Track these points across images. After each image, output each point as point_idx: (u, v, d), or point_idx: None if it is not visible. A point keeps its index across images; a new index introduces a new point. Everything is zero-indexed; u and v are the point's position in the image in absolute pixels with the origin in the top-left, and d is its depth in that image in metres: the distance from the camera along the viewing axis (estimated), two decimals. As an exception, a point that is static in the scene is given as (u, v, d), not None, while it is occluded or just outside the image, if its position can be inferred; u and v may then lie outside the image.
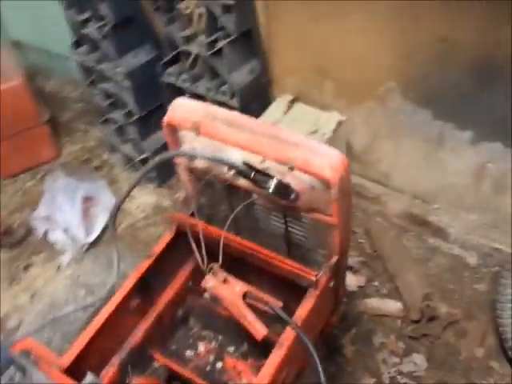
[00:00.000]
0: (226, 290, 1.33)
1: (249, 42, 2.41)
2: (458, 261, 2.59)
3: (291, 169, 1.24)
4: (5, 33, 3.74)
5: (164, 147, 2.98)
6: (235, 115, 1.32)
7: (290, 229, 1.47)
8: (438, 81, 2.21)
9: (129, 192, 1.26)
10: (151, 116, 2.82)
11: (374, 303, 2.52)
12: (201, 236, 1.34)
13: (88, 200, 2.93)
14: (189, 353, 1.74)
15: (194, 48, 2.39)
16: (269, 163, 1.28)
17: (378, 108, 2.47)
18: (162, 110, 2.79)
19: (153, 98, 2.72)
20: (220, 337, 1.79)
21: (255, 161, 1.30)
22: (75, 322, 1.94)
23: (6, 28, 3.75)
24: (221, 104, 2.49)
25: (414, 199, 2.71)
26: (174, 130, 1.42)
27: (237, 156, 1.32)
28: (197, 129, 1.35)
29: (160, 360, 1.70)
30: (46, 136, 3.23)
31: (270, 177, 1.23)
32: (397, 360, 2.31)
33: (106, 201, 2.98)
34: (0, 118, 2.96)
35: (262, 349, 1.58)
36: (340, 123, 2.42)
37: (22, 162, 3.26)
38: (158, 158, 1.23)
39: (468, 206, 2.53)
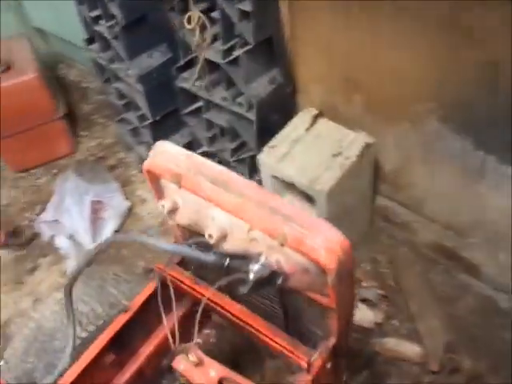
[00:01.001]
0: (199, 374, 1.14)
1: (270, 49, 2.17)
2: (490, 303, 2.34)
3: (282, 245, 1.03)
4: (27, 20, 3.59)
5: (179, 153, 2.80)
6: (223, 172, 1.11)
7: (284, 297, 1.26)
8: (484, 108, 1.93)
9: (78, 274, 1.08)
10: (166, 120, 2.63)
11: (391, 344, 2.29)
12: (175, 316, 1.14)
13: (98, 204, 2.78)
14: (173, 408, 1.57)
15: (209, 54, 2.17)
16: (256, 233, 1.07)
17: (413, 130, 2.20)
18: (177, 114, 2.61)
19: (168, 102, 2.52)
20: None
21: (242, 228, 1.09)
22: (61, 352, 1.80)
23: (29, 16, 3.60)
24: (237, 115, 2.28)
25: (446, 230, 2.44)
26: (155, 176, 1.22)
27: (222, 217, 1.12)
28: (178, 182, 1.15)
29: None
30: (62, 131, 3.10)
31: (252, 258, 1.02)
32: (410, 413, 2.10)
33: (117, 205, 2.84)
34: (13, 111, 2.83)
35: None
36: (368, 146, 2.17)
37: (37, 157, 3.15)
38: (110, 239, 1.04)
39: (506, 246, 2.25)
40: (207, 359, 1.16)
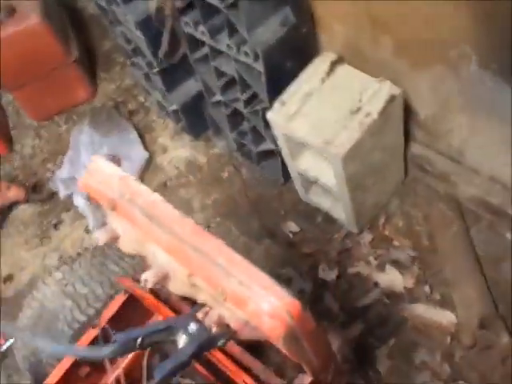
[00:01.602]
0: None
1: (277, -15, 1.85)
2: (539, 267, 2.07)
3: (224, 299, 0.84)
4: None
5: (194, 100, 2.57)
6: (156, 203, 0.91)
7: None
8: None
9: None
10: (177, 66, 2.39)
11: (422, 310, 2.11)
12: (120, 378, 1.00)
13: (114, 158, 2.65)
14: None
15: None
16: (198, 279, 0.89)
17: (449, 75, 1.86)
18: (186, 60, 2.36)
19: (174, 48, 2.26)
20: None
21: (182, 271, 0.91)
22: (61, 337, 1.76)
23: None
24: (245, 65, 2.00)
25: (491, 183, 2.13)
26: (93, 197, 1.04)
27: (163, 254, 0.94)
28: (113, 208, 0.96)
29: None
30: (77, 76, 2.92)
31: (179, 327, 0.84)
32: (439, 386, 1.95)
33: (135, 157, 2.70)
34: (20, 60, 2.67)
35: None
36: (392, 99, 1.85)
37: (55, 105, 3.03)
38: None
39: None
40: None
